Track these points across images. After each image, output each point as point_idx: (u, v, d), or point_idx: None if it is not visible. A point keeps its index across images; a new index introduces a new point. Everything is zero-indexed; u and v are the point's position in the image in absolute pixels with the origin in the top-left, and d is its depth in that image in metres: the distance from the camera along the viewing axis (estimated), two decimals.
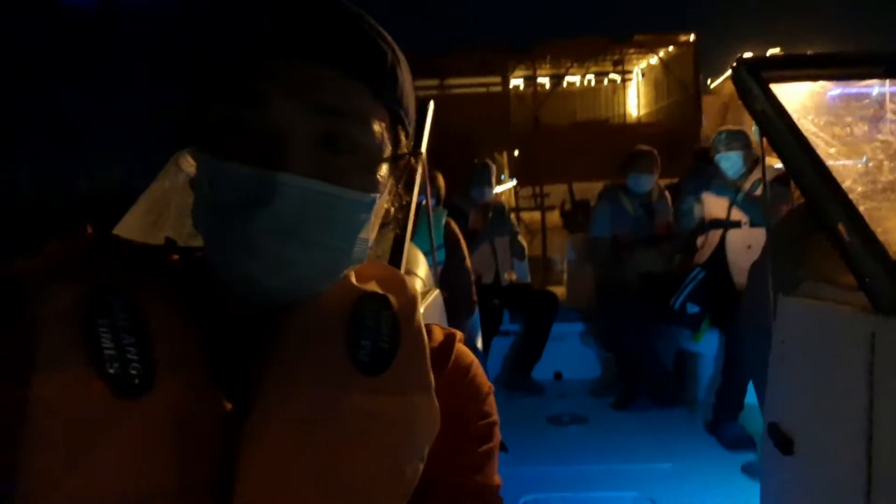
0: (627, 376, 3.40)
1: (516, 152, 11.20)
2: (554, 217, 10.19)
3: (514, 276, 3.87)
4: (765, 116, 1.37)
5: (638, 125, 10.75)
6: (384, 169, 0.57)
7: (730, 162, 3.02)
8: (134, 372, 0.50)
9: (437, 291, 1.40)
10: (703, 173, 2.85)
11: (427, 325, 0.63)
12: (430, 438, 0.55)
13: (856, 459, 1.02)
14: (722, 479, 2.50)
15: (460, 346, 0.65)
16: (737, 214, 3.00)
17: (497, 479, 0.63)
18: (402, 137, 0.60)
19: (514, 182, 10.71)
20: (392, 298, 0.58)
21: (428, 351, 0.57)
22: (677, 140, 9.37)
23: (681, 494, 2.37)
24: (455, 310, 2.36)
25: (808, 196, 1.20)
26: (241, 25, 0.57)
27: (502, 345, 3.76)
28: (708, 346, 3.04)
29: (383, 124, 0.56)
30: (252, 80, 0.53)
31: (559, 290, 4.42)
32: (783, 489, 1.32)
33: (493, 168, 3.97)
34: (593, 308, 3.70)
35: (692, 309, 3.07)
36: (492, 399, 0.65)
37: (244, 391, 0.52)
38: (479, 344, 2.66)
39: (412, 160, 0.64)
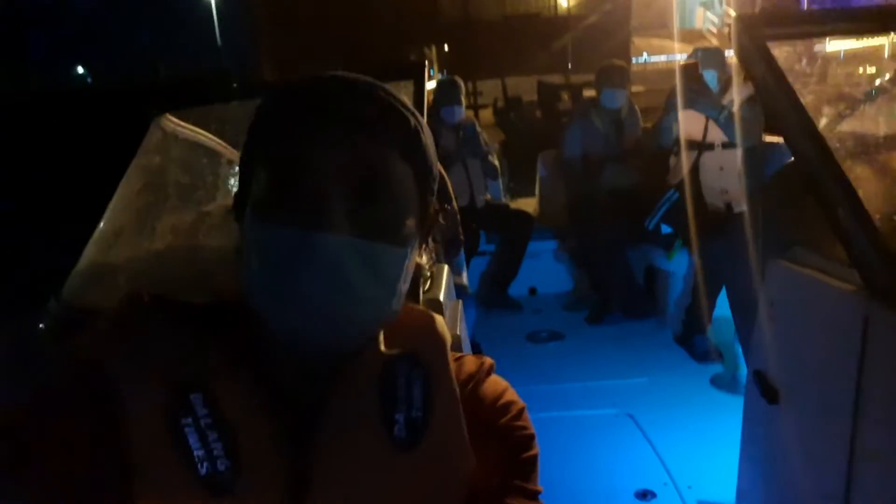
0: (600, 292, 3.55)
1: (446, 47, 10.89)
2: (487, 114, 10.06)
3: (488, 197, 3.90)
4: (763, 82, 1.39)
5: (568, 17, 10.45)
6: (414, 224, 0.63)
7: (708, 78, 3.03)
8: (223, 469, 0.56)
9: (445, 271, 1.43)
10: (690, 89, 2.85)
11: (460, 359, 0.71)
12: (467, 485, 0.62)
13: (842, 419, 1.14)
14: (693, 391, 2.71)
15: (492, 377, 0.71)
16: (711, 136, 3.05)
17: (538, 486, 0.71)
18: (428, 194, 0.66)
19: (442, 77, 10.53)
20: (422, 353, 0.64)
21: (460, 402, 0.63)
22: (607, 32, 9.21)
23: (656, 408, 2.57)
24: (444, 248, 2.41)
25: (806, 170, 1.25)
26: (289, 101, 0.61)
27: (479, 264, 3.85)
28: (678, 264, 3.18)
29: (412, 183, 0.62)
30: (298, 149, 0.58)
31: (529, 205, 4.48)
32: (766, 435, 1.46)
33: (462, 85, 3.88)
34: (566, 225, 3.79)
35: (666, 229, 3.18)
36: (526, 415, 0.71)
37: (298, 463, 0.59)
38: (465, 279, 2.72)
39: (439, 216, 0.69)
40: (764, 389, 1.43)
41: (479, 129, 3.94)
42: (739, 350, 2.67)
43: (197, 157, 2.01)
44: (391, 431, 0.59)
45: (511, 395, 0.70)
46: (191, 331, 0.62)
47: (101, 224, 1.49)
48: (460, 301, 1.53)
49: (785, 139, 1.36)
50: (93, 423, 0.57)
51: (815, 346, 1.27)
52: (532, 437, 0.69)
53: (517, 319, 3.61)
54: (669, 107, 3.05)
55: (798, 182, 1.44)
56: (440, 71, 10.78)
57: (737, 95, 2.98)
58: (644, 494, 2.05)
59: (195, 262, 1.31)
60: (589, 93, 8.57)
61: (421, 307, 0.71)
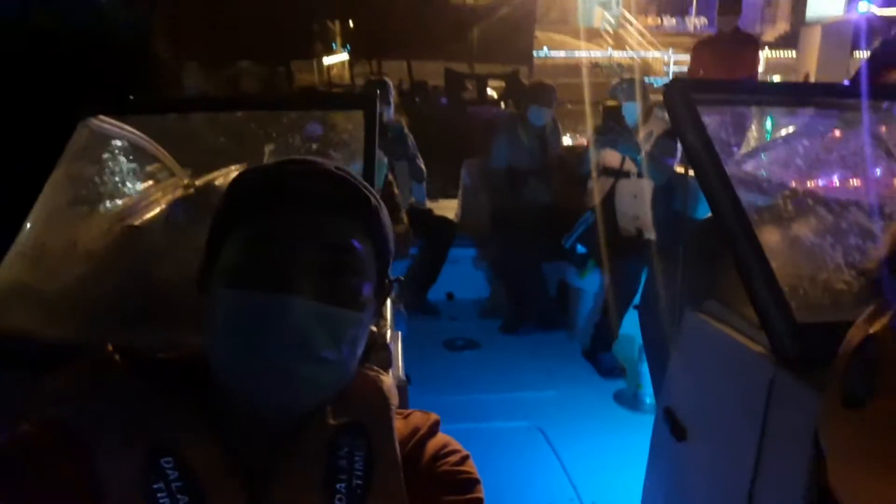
0: (515, 302, 3.68)
1: (351, 23, 10.75)
2: None
3: (412, 200, 3.93)
4: (692, 147, 1.50)
5: (476, 6, 10.54)
6: (371, 293, 0.69)
7: (628, 111, 3.20)
8: None
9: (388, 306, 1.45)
10: (613, 131, 3.02)
11: (409, 416, 0.76)
12: None
13: (744, 467, 1.27)
14: (598, 405, 2.89)
15: (436, 433, 0.76)
16: (627, 165, 3.22)
17: None
18: (385, 266, 0.72)
19: (346, 54, 10.39)
20: (368, 420, 0.69)
21: (401, 468, 0.68)
22: (513, 25, 9.36)
23: (565, 421, 2.71)
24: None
25: (727, 238, 1.37)
26: (260, 184, 0.68)
27: (399, 268, 3.88)
28: (590, 282, 3.35)
29: (371, 256, 0.69)
30: (269, 228, 0.64)
31: (452, 208, 4.54)
32: (671, 470, 1.59)
33: (391, 85, 3.89)
34: (486, 234, 3.89)
35: (581, 249, 3.33)
36: (470, 462, 0.77)
37: None
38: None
39: (391, 283, 0.76)
40: (673, 427, 1.55)
41: (406, 130, 3.95)
42: (641, 368, 2.86)
43: (132, 161, 1.92)
44: (333, 501, 0.63)
45: (454, 445, 0.76)
46: (158, 388, 0.65)
47: (23, 236, 1.40)
48: (399, 332, 1.56)
49: (707, 200, 1.47)
50: (66, 489, 0.59)
51: (723, 395, 1.40)
52: (476, 481, 0.74)
53: (435, 324, 3.67)
54: (595, 145, 3.20)
55: (714, 237, 1.57)
56: (343, 46, 10.62)
57: (655, 128, 3.17)
58: None
59: (132, 285, 1.27)
60: (495, 84, 8.72)
61: (370, 369, 0.75)
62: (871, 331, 0.76)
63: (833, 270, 1.34)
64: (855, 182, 1.69)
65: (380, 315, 0.80)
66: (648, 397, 2.83)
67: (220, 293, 0.64)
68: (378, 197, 0.71)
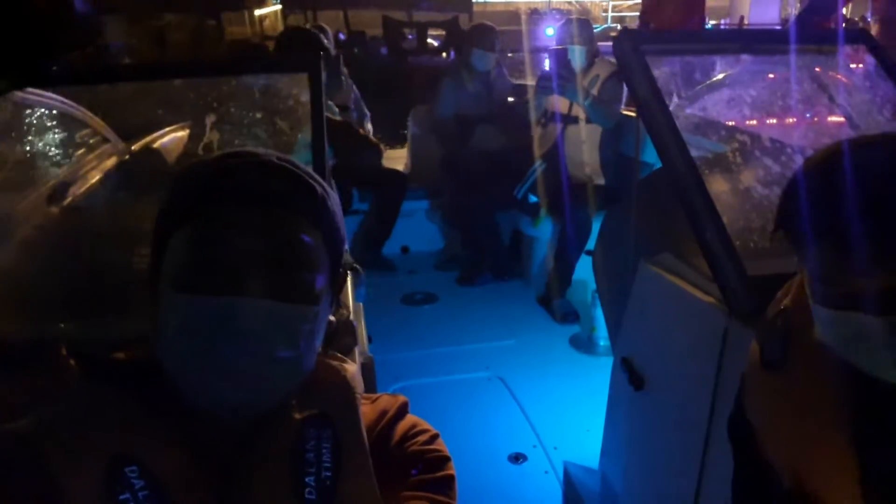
0: (472, 253, 3.69)
1: None
2: None
3: None
4: (643, 99, 1.50)
5: None
6: (325, 284, 0.67)
7: (575, 54, 3.17)
8: None
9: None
10: (559, 76, 2.99)
11: (376, 400, 0.77)
12: None
13: (700, 413, 1.33)
14: (555, 351, 2.96)
15: (405, 415, 0.77)
16: (575, 110, 3.21)
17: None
18: (337, 255, 0.70)
19: (279, 4, 10.02)
20: (333, 411, 0.68)
21: (369, 455, 0.68)
22: None
23: (524, 368, 2.78)
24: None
25: (678, 192, 1.39)
26: (202, 181, 0.65)
27: (351, 223, 3.83)
28: (543, 230, 3.38)
29: (322, 247, 0.67)
30: (214, 226, 0.62)
31: (399, 158, 4.48)
32: (629, 417, 1.65)
33: (330, 33, 3.75)
34: (438, 184, 3.86)
35: (533, 198, 3.34)
36: (440, 441, 0.78)
37: None
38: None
39: (346, 271, 0.74)
40: (631, 376, 1.60)
41: (356, 91, 3.84)
42: (594, 312, 2.93)
43: (62, 131, 1.80)
44: (302, 496, 0.63)
45: (423, 425, 0.77)
46: (116, 393, 0.63)
47: None
48: (360, 305, 1.55)
49: (658, 152, 1.48)
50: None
51: (679, 345, 1.45)
52: (447, 459, 0.75)
53: (391, 281, 3.67)
54: (540, 89, 3.15)
55: (669, 189, 1.59)
56: None
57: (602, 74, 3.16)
58: (517, 458, 2.25)
59: (77, 271, 1.21)
60: (434, 32, 8.53)
61: (333, 357, 0.74)
62: (782, 306, 0.83)
63: None
64: (796, 124, 1.72)
65: (338, 303, 0.78)
66: (603, 340, 2.91)
67: (168, 297, 0.62)
68: (324, 185, 0.69)
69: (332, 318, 0.72)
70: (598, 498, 1.89)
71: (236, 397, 0.61)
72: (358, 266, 2.81)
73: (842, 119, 1.66)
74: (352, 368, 0.74)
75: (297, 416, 0.66)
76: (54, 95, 1.83)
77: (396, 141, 5.15)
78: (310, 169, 0.69)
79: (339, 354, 0.76)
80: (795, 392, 0.77)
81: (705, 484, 1.33)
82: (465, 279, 3.63)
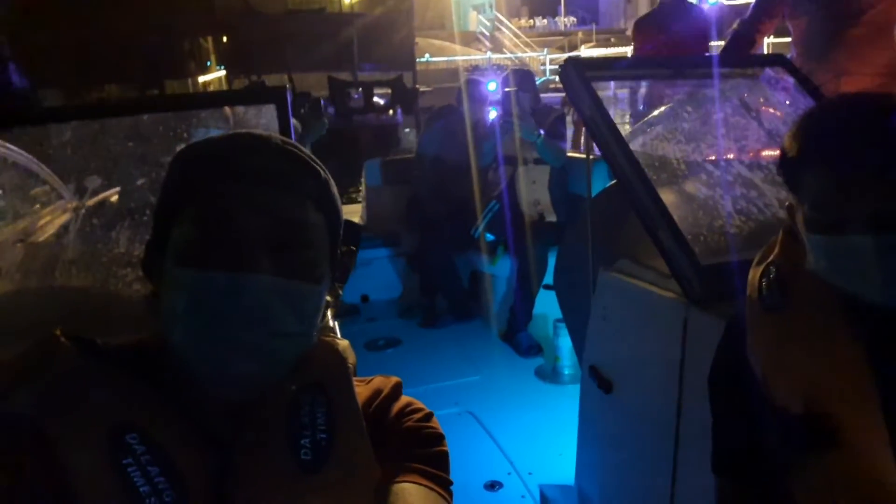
0: (433, 296, 3.73)
1: (225, 38, 10.56)
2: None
3: None
4: (591, 119, 1.61)
5: (352, 15, 10.61)
6: (326, 265, 0.70)
7: (522, 99, 3.34)
8: (169, 501, 0.59)
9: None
10: (512, 114, 3.15)
11: (371, 381, 0.79)
12: (374, 495, 0.69)
13: (668, 406, 1.38)
14: (521, 383, 2.99)
15: (399, 393, 0.80)
16: (523, 153, 3.37)
17: (450, 479, 0.81)
18: (337, 237, 0.74)
19: (222, 71, 10.20)
20: (326, 378, 0.71)
21: (363, 419, 0.70)
22: (392, 30, 9.52)
23: (492, 402, 2.78)
24: None
25: (631, 198, 1.49)
26: (208, 159, 0.68)
27: None
28: (501, 268, 3.46)
29: (323, 228, 0.70)
30: (221, 204, 0.64)
31: (353, 212, 4.53)
32: (601, 421, 1.70)
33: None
34: (395, 232, 3.92)
35: (489, 237, 3.44)
36: (434, 420, 0.82)
37: (221, 493, 0.63)
38: None
39: (344, 255, 0.78)
40: (599, 382, 1.66)
41: (307, 146, 3.92)
42: (557, 342, 2.99)
43: (13, 185, 1.80)
44: (298, 456, 0.65)
45: (417, 404, 0.80)
46: (111, 369, 0.64)
47: None
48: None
49: (610, 167, 1.59)
50: (30, 487, 0.57)
51: (643, 344, 1.52)
52: (441, 436, 0.79)
53: (354, 327, 3.66)
54: (491, 132, 3.30)
55: (620, 202, 1.69)
56: (218, 63, 10.34)
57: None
58: (492, 485, 2.24)
59: (53, 301, 1.20)
60: (380, 91, 8.77)
61: (325, 335, 0.76)
62: (770, 260, 0.93)
63: (725, 218, 1.49)
64: (732, 143, 1.87)
65: (335, 287, 0.81)
66: (567, 369, 2.96)
67: (175, 273, 0.64)
68: (326, 169, 0.72)
69: (329, 298, 0.75)
70: None
71: (242, 369, 0.63)
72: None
73: (764, 132, 1.82)
74: (343, 343, 0.77)
75: (292, 385, 0.68)
76: (10, 146, 1.83)
77: (347, 198, 5.24)
78: (314, 157, 0.72)
79: (330, 333, 0.79)
80: (802, 322, 0.84)
81: (680, 472, 1.37)
82: (427, 322, 3.65)
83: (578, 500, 1.87)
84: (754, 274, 0.94)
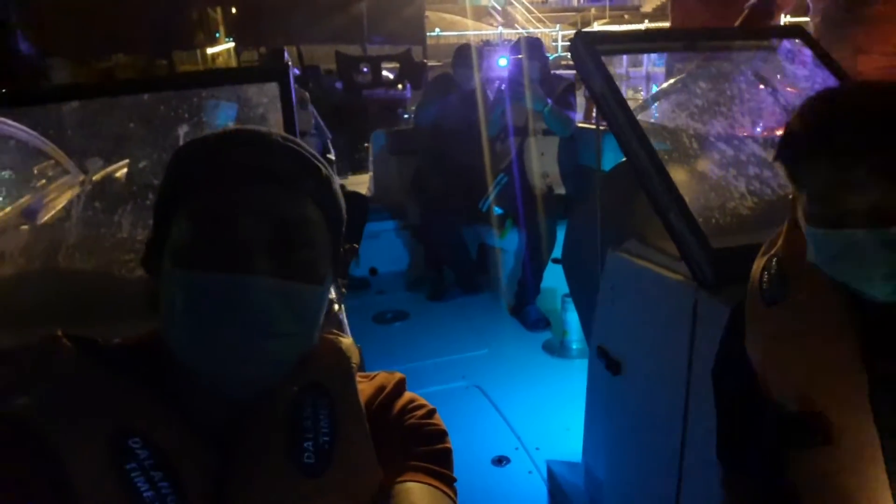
0: (440, 269, 3.72)
1: (234, 9, 10.41)
2: None
3: None
4: (601, 94, 1.57)
5: None
6: (328, 264, 0.69)
7: (532, 69, 3.28)
8: None
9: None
10: (518, 83, 3.09)
11: (374, 377, 0.78)
12: (375, 490, 0.69)
13: (677, 388, 1.38)
14: (529, 357, 3.00)
15: (402, 389, 0.78)
16: (532, 124, 3.31)
17: (453, 475, 0.80)
18: (339, 236, 0.72)
19: (230, 43, 10.10)
20: (328, 379, 0.70)
21: (365, 420, 0.69)
22: (401, 1, 9.33)
23: (499, 376, 2.80)
24: None
25: (641, 177, 1.45)
26: (207, 156, 0.66)
27: None
28: (509, 242, 3.44)
29: (324, 226, 0.68)
30: (220, 202, 0.63)
31: (362, 183, 4.52)
32: (609, 402, 1.70)
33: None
34: (401, 204, 3.89)
35: (497, 210, 3.41)
36: (437, 417, 0.80)
37: (221, 497, 0.62)
38: None
39: (348, 253, 0.76)
40: (608, 363, 1.65)
41: (316, 115, 3.88)
42: (565, 317, 2.99)
43: (20, 161, 1.78)
44: (301, 460, 0.64)
45: (420, 401, 0.78)
46: (111, 371, 0.63)
47: None
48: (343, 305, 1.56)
49: (619, 142, 1.55)
50: (31, 492, 0.57)
51: (651, 326, 1.50)
52: (444, 433, 0.77)
53: (361, 302, 3.66)
54: (497, 99, 3.25)
55: (630, 180, 1.66)
56: (227, 35, 10.23)
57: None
58: (500, 460, 2.26)
59: (58, 284, 1.20)
60: (388, 65, 8.65)
61: (329, 333, 0.75)
62: (773, 252, 0.93)
63: (738, 199, 1.46)
64: (746, 119, 1.82)
65: (338, 284, 0.80)
66: (575, 343, 2.97)
67: (174, 274, 0.63)
68: (327, 167, 0.70)
69: (331, 297, 0.74)
70: (583, 490, 1.92)
71: (243, 374, 0.62)
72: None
73: (780, 108, 1.77)
74: (347, 341, 0.76)
75: (294, 386, 0.67)
76: (15, 123, 1.81)
77: (355, 168, 5.22)
78: (315, 153, 0.70)
79: (334, 330, 0.78)
80: (798, 318, 0.84)
81: (687, 456, 1.37)
82: (433, 295, 3.65)
83: (585, 477, 1.89)
84: (757, 266, 0.94)
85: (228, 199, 0.63)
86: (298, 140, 0.69)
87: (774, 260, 0.91)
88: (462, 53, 3.70)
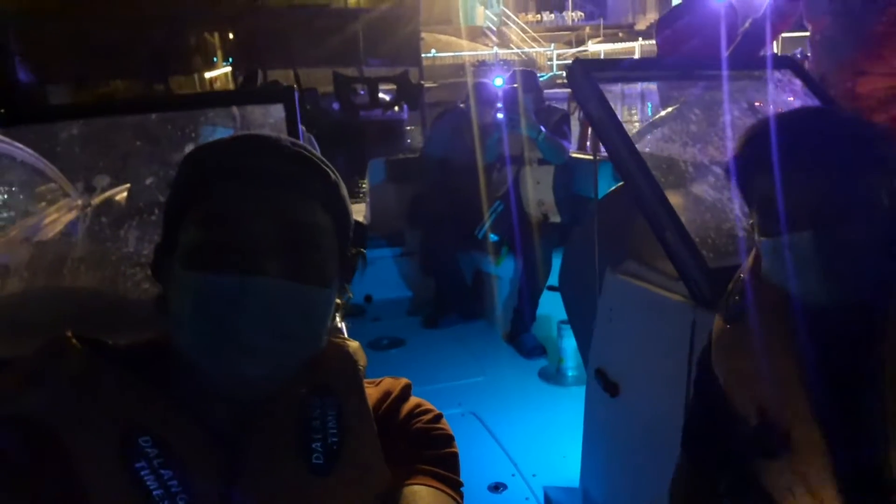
0: (436, 295, 3.72)
1: (231, 35, 10.60)
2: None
3: None
4: (598, 119, 1.61)
5: (357, 10, 10.59)
6: (335, 268, 0.70)
7: (526, 99, 3.34)
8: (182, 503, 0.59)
9: None
10: (514, 111, 3.14)
11: (380, 383, 0.80)
12: (383, 490, 0.69)
13: (676, 408, 1.38)
14: (524, 384, 2.98)
15: (409, 394, 0.80)
16: (528, 153, 3.36)
17: (460, 480, 0.80)
18: (346, 240, 0.73)
19: (228, 66, 10.27)
20: (336, 381, 0.70)
21: (373, 421, 0.70)
22: (397, 26, 9.52)
23: (495, 403, 2.78)
24: None
25: (638, 199, 1.48)
26: (216, 160, 0.67)
27: None
28: (505, 269, 3.46)
29: (332, 230, 0.69)
30: (230, 206, 0.64)
31: (358, 211, 4.54)
32: (607, 424, 1.69)
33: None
34: (399, 232, 3.91)
35: (493, 237, 3.43)
36: (444, 421, 0.81)
37: (230, 497, 0.62)
38: None
39: (355, 257, 0.78)
40: (605, 385, 1.66)
41: (314, 141, 3.91)
42: (561, 344, 2.99)
43: (20, 182, 1.80)
44: (309, 460, 0.64)
45: (427, 405, 0.80)
46: (120, 370, 0.64)
47: None
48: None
49: (616, 166, 1.59)
50: (42, 493, 0.57)
51: (650, 347, 1.51)
52: (451, 437, 0.78)
53: (356, 329, 3.65)
54: (495, 126, 3.30)
55: (627, 203, 1.69)
56: (225, 59, 10.39)
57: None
58: (497, 487, 2.24)
59: (62, 300, 1.20)
60: (385, 86, 8.73)
61: (335, 337, 0.76)
62: (740, 275, 0.98)
63: (733, 220, 1.48)
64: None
65: (345, 290, 0.80)
66: (571, 371, 2.96)
67: (184, 276, 0.63)
68: (336, 172, 0.71)
69: (338, 301, 0.74)
70: None
71: (250, 373, 0.63)
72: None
73: None
74: (354, 344, 0.77)
75: (302, 388, 0.68)
76: (18, 144, 1.83)
77: (352, 194, 5.22)
78: (323, 158, 0.71)
79: (340, 335, 0.79)
80: (753, 336, 0.89)
81: None
82: (429, 322, 3.65)
83: (583, 502, 1.87)
84: (731, 284, 0.99)
85: (238, 202, 0.64)
86: (307, 145, 0.70)
87: (740, 275, 0.95)
88: (480, 89, 3.68)
